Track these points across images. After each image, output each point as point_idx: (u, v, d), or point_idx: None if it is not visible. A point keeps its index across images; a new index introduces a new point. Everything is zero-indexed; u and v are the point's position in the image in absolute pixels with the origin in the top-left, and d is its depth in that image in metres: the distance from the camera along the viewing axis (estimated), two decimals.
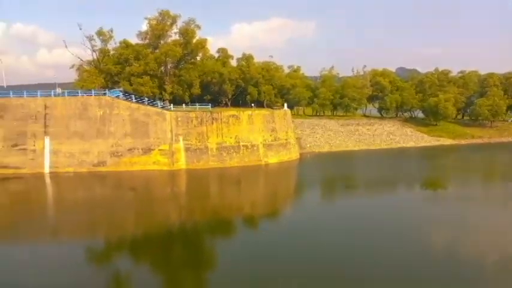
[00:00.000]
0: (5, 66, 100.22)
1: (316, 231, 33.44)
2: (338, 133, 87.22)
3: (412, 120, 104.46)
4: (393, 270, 25.48)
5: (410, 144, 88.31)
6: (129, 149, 58.28)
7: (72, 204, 43.72)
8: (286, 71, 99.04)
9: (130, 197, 47.53)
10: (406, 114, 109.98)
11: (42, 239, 32.83)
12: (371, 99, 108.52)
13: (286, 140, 68.36)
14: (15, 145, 56.69)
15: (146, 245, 31.74)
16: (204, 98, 78.78)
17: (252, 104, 77.85)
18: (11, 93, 59.64)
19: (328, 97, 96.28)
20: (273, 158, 64.79)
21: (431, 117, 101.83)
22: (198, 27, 72.63)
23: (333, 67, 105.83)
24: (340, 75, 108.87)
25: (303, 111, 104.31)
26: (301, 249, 29.18)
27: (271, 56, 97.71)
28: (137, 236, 33.79)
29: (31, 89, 63.19)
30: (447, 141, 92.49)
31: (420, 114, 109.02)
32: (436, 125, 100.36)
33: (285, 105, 77.95)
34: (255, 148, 63.31)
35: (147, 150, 58.51)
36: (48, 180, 54.42)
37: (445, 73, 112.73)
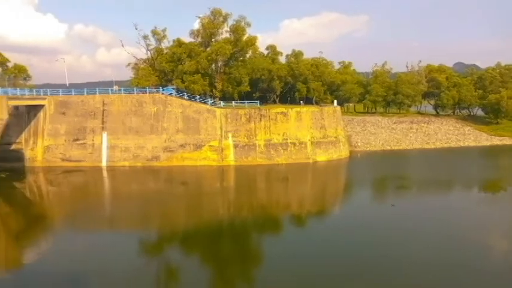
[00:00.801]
0: (67, 65, 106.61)
1: (364, 231, 32.63)
2: (391, 131, 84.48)
3: (471, 118, 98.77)
4: (440, 274, 24.36)
5: (469, 143, 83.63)
6: (181, 145, 60.12)
7: (127, 196, 45.97)
8: (337, 67, 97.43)
9: (181, 191, 49.08)
10: (464, 112, 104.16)
11: (100, 228, 34.81)
12: (426, 95, 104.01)
13: (335, 137, 67.28)
14: (76, 140, 60.41)
15: (196, 238, 32.67)
16: (253, 95, 79.37)
17: (301, 101, 77.36)
18: (73, 91, 63.60)
19: (381, 93, 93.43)
20: (321, 156, 64.02)
21: (492, 115, 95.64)
22: (248, 24, 73.38)
23: (385, 62, 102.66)
24: (394, 71, 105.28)
25: (354, 108, 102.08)
26: (348, 249, 28.73)
27: (321, 52, 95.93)
28: (187, 228, 34.86)
29: (90, 87, 67.00)
30: (510, 141, 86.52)
31: (480, 112, 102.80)
32: (497, 123, 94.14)
33: (335, 101, 76.72)
34: (303, 145, 62.89)
35: (198, 146, 60.05)
36: (105, 173, 57.51)
37: (508, 68, 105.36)
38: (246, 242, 32.18)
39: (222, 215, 39.76)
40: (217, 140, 60.24)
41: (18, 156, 59.50)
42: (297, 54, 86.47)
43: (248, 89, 77.09)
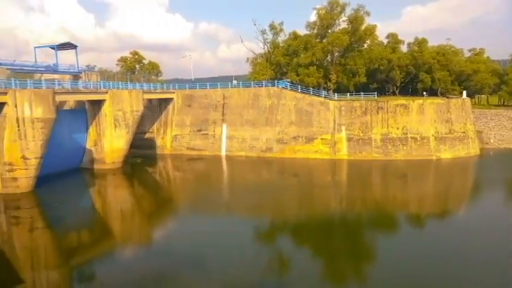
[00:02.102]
0: (192, 61, 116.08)
1: (489, 239, 28.90)
2: None
3: None
4: None
5: None
6: (294, 137, 60.76)
7: (243, 184, 48.27)
8: (467, 54, 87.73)
9: (293, 182, 49.66)
10: None
11: (218, 212, 37.18)
12: None
13: (463, 133, 60.85)
14: (200, 130, 65.43)
15: (307, 229, 32.78)
16: (370, 86, 76.23)
17: (424, 92, 71.78)
18: (197, 85, 68.91)
19: None
20: (446, 153, 58.56)
21: None
22: (367, 13, 70.39)
23: None
24: None
25: (487, 101, 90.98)
26: (468, 253, 25.92)
27: (449, 39, 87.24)
28: (299, 219, 35.14)
29: (212, 81, 71.69)
30: None
31: None
32: None
33: (464, 93, 69.35)
34: (425, 141, 58.28)
35: (310, 139, 59.98)
36: (224, 162, 61.19)
37: None
38: (358, 237, 31.17)
39: (334, 208, 39.17)
40: (329, 133, 59.38)
41: (151, 144, 66.92)
42: (420, 42, 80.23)
43: (365, 80, 74.28)
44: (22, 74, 55.19)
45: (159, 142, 67.29)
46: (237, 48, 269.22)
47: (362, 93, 64.15)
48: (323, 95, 62.58)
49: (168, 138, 66.99)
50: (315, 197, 42.21)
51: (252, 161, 60.11)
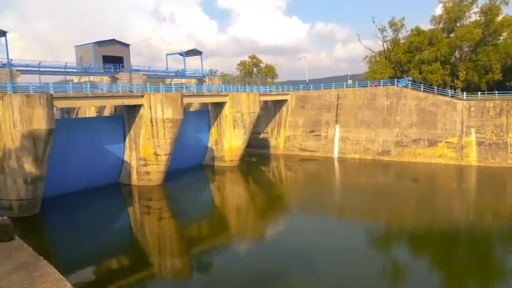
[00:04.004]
0: (307, 63, 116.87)
1: None
2: None
3: None
4: None
5: None
6: (414, 140, 56.83)
7: (356, 187, 46.83)
8: None
9: (412, 187, 46.52)
10: None
11: (328, 213, 36.77)
12: None
13: None
14: (312, 131, 65.42)
15: (426, 239, 30.48)
16: (507, 84, 67.48)
17: None
18: (311, 86, 69.03)
19: None
20: None
21: None
22: (505, 2, 62.50)
23: None
24: None
25: None
26: None
27: None
28: (417, 228, 32.76)
29: (327, 81, 70.99)
30: None
31: None
32: None
33: None
34: None
35: (433, 142, 55.42)
36: (336, 164, 60.17)
37: None
38: (488, 253, 27.77)
39: (458, 218, 35.58)
40: (456, 136, 54.07)
41: (265, 144, 69.15)
42: None
43: (500, 77, 65.96)
44: (155, 79, 61.98)
45: (272, 142, 69.14)
46: (353, 47, 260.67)
47: (496, 92, 57.02)
48: (449, 94, 57.30)
49: (281, 138, 68.39)
50: (436, 205, 38.82)
51: (366, 164, 57.96)
